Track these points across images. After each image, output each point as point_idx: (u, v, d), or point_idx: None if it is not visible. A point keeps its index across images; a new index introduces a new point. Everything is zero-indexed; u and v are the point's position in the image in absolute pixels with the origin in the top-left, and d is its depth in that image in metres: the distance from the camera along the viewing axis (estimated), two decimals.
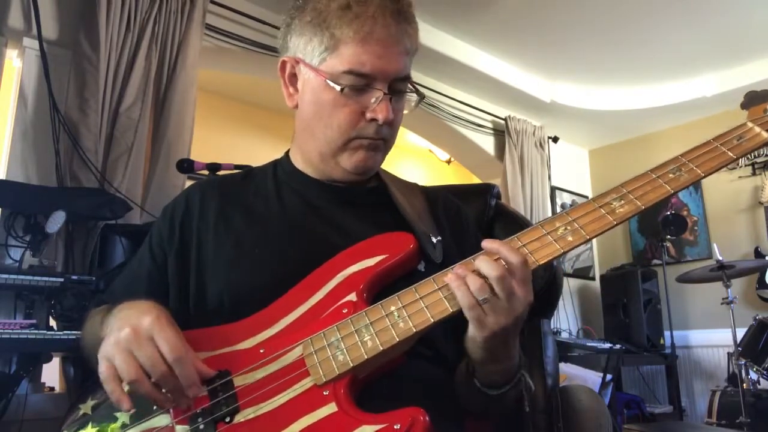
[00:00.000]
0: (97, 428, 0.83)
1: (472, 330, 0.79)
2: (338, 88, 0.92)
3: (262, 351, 0.83)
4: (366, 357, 0.78)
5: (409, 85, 0.99)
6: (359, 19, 0.91)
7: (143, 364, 0.75)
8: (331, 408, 0.76)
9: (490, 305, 0.76)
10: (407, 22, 0.95)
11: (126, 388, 0.77)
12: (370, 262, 0.87)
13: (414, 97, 1.02)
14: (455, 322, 0.82)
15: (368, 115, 0.94)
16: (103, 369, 0.77)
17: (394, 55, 0.93)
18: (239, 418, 0.78)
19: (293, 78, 1.01)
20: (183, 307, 0.96)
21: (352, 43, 0.91)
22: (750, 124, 0.88)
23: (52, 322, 2.06)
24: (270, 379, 0.80)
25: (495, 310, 0.76)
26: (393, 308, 0.81)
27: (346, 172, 0.99)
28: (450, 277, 0.79)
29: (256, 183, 1.06)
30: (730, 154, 0.84)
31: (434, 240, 0.95)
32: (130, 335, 0.76)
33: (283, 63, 1.01)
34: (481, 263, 0.77)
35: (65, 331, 1.92)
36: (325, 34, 0.93)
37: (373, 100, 0.93)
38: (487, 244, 0.79)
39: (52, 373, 2.31)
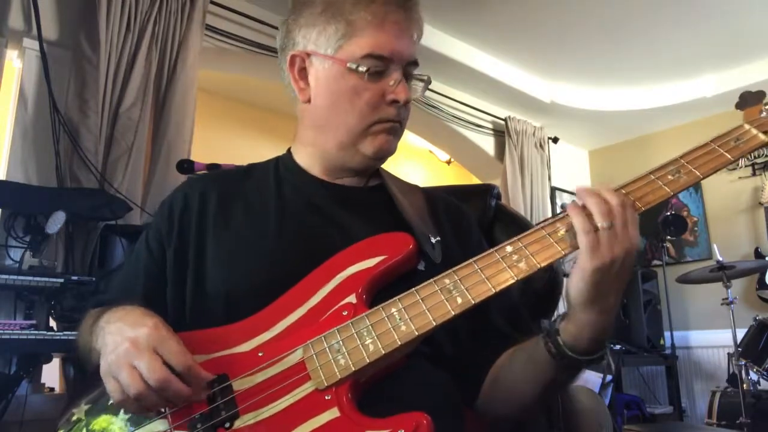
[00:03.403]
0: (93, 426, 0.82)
1: (582, 261, 0.75)
2: (363, 69, 0.93)
3: (260, 354, 0.81)
4: (368, 360, 0.77)
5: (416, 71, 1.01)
6: (374, 4, 0.93)
7: (144, 374, 0.74)
8: (333, 413, 0.75)
9: (606, 233, 0.74)
10: (415, 9, 0.98)
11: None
12: (369, 263, 0.86)
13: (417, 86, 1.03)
14: (459, 321, 0.81)
15: (389, 97, 0.95)
16: (111, 388, 0.76)
17: (408, 38, 0.97)
18: (239, 423, 0.77)
19: (303, 72, 1.00)
20: (180, 303, 0.95)
21: (369, 27, 0.93)
22: (747, 126, 0.87)
23: (52, 323, 2.06)
24: (269, 384, 0.79)
25: (610, 239, 0.74)
26: (394, 311, 0.80)
27: (367, 158, 0.99)
28: (570, 205, 0.78)
29: (256, 179, 1.05)
30: (728, 156, 0.84)
31: (433, 240, 0.94)
32: (130, 349, 0.76)
33: (293, 57, 1.00)
34: (602, 191, 0.77)
35: (65, 332, 1.92)
36: (340, 22, 0.94)
37: (391, 83, 0.95)
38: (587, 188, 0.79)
39: (52, 374, 2.31)
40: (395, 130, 0.99)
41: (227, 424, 0.77)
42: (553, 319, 0.82)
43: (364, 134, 0.97)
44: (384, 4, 0.94)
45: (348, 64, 0.94)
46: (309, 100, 1.00)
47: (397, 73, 0.95)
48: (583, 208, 0.77)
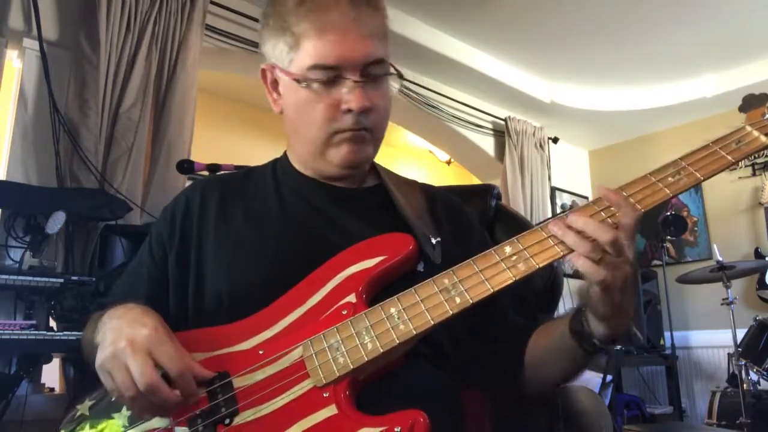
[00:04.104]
0: (95, 429, 0.83)
1: (595, 293, 0.78)
2: (307, 84, 0.91)
3: (261, 352, 0.82)
4: (366, 359, 0.78)
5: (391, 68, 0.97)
6: (314, 12, 0.90)
7: (135, 377, 0.74)
8: (331, 410, 0.76)
9: (604, 263, 0.76)
10: (366, 4, 0.93)
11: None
12: (369, 263, 0.87)
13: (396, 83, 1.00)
14: (458, 321, 0.82)
15: (343, 107, 0.92)
16: (106, 383, 0.77)
17: (357, 39, 0.91)
18: (239, 420, 0.78)
19: (275, 84, 1.01)
20: (182, 306, 0.96)
21: (311, 36, 0.90)
22: (749, 128, 0.88)
23: (52, 323, 2.06)
24: (269, 381, 0.80)
25: (608, 266, 0.76)
26: (393, 310, 0.80)
27: (336, 167, 0.98)
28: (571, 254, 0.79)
29: (255, 182, 1.06)
30: (729, 158, 0.85)
31: (433, 241, 0.95)
32: (127, 349, 0.76)
33: (263, 71, 1.01)
34: (593, 230, 0.77)
35: (65, 332, 1.92)
36: (287, 35, 0.93)
37: (344, 90, 0.92)
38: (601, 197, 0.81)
39: (52, 374, 2.31)
40: (360, 138, 0.95)
41: (227, 421, 0.78)
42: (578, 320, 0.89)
43: (327, 145, 0.96)
44: (323, 10, 0.90)
45: (296, 78, 0.92)
46: (282, 111, 1.01)
47: (350, 81, 0.91)
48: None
